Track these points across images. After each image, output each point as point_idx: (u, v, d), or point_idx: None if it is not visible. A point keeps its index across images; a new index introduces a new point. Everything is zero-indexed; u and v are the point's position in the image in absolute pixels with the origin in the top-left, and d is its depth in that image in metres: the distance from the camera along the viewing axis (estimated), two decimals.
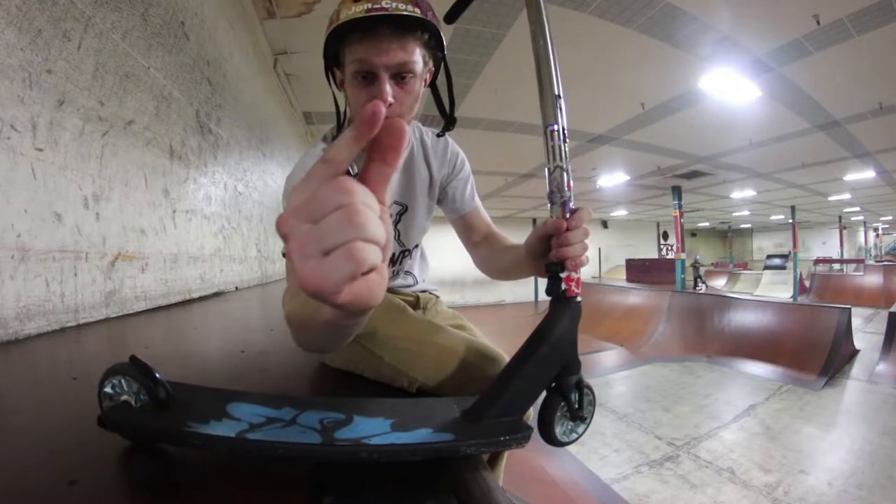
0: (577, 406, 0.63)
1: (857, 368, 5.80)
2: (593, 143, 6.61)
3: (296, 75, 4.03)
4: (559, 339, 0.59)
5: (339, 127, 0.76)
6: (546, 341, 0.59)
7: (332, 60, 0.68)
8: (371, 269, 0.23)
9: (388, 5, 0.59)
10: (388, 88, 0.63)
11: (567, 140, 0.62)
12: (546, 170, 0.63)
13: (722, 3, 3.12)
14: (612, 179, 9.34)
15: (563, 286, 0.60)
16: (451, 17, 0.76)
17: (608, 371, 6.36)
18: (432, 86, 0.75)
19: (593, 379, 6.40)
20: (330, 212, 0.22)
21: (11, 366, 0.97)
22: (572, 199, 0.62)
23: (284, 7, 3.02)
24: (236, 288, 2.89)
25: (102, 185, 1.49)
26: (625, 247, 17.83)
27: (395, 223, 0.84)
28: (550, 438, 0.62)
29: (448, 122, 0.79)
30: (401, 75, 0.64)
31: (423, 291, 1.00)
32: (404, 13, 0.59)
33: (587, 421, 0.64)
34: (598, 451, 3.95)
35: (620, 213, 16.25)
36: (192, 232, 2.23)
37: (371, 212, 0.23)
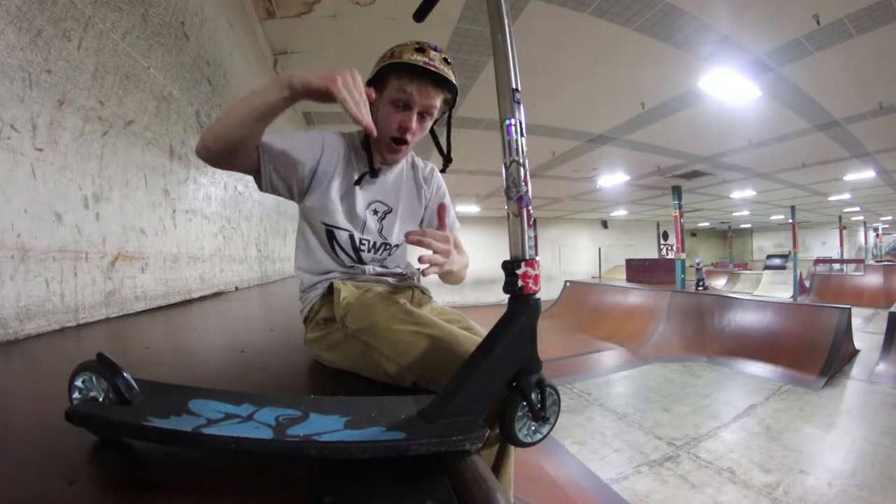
0: (538, 406, 0.62)
1: (857, 368, 5.79)
2: (593, 143, 6.61)
3: None
4: (516, 338, 0.59)
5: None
6: (501, 340, 0.58)
7: (375, 81, 0.89)
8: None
9: (438, 66, 0.84)
10: (415, 120, 0.89)
11: (525, 134, 0.62)
12: (503, 165, 0.62)
13: (722, 2, 3.12)
14: (612, 179, 9.34)
15: (520, 283, 0.59)
16: (419, 16, 0.85)
17: (608, 371, 6.35)
18: (431, 128, 0.97)
19: (593, 379, 6.36)
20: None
21: (11, 366, 0.98)
22: (530, 192, 0.61)
23: (284, 7, 3.03)
24: (236, 288, 2.89)
25: (102, 185, 1.49)
26: (625, 247, 17.82)
27: (381, 219, 1.00)
28: (511, 438, 0.62)
29: (446, 160, 0.98)
30: (423, 113, 0.89)
31: (417, 288, 1.04)
32: (444, 75, 0.85)
33: (551, 421, 0.64)
34: (598, 451, 3.95)
35: (620, 213, 16.23)
36: (192, 232, 2.23)
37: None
